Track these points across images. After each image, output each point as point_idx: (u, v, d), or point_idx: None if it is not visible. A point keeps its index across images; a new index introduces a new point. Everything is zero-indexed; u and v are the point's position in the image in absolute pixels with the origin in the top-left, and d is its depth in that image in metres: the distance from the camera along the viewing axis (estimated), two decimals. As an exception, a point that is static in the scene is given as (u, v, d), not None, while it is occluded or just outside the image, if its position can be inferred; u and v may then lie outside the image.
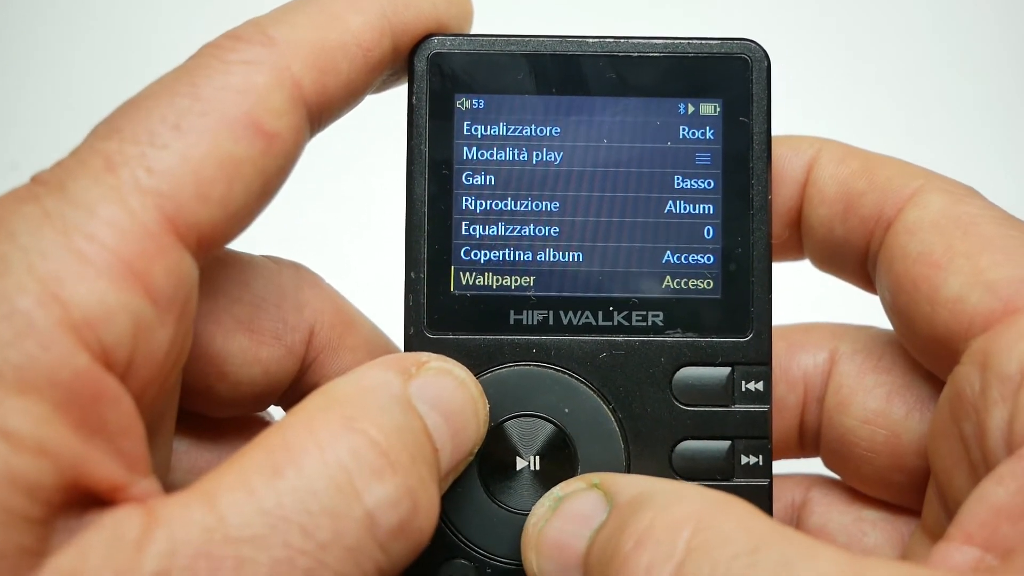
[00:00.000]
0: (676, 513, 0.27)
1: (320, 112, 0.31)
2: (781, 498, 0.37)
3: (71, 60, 0.61)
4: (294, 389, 0.35)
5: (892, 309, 0.34)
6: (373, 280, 0.37)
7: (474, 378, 0.32)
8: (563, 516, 0.30)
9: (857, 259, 0.35)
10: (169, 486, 0.33)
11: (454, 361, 0.32)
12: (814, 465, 0.38)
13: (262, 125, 0.29)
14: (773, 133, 0.35)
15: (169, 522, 0.25)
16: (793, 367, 0.37)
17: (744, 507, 0.27)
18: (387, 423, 0.28)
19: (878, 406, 0.35)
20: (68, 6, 0.62)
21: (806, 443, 0.37)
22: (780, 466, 0.35)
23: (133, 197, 0.27)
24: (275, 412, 0.36)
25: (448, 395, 0.31)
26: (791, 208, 0.36)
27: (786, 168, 0.35)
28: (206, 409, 0.34)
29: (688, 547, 0.26)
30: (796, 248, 0.37)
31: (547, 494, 0.31)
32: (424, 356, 0.31)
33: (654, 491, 0.29)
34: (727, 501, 0.28)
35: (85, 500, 0.26)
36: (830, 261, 0.36)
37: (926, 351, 0.33)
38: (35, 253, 0.26)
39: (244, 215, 0.29)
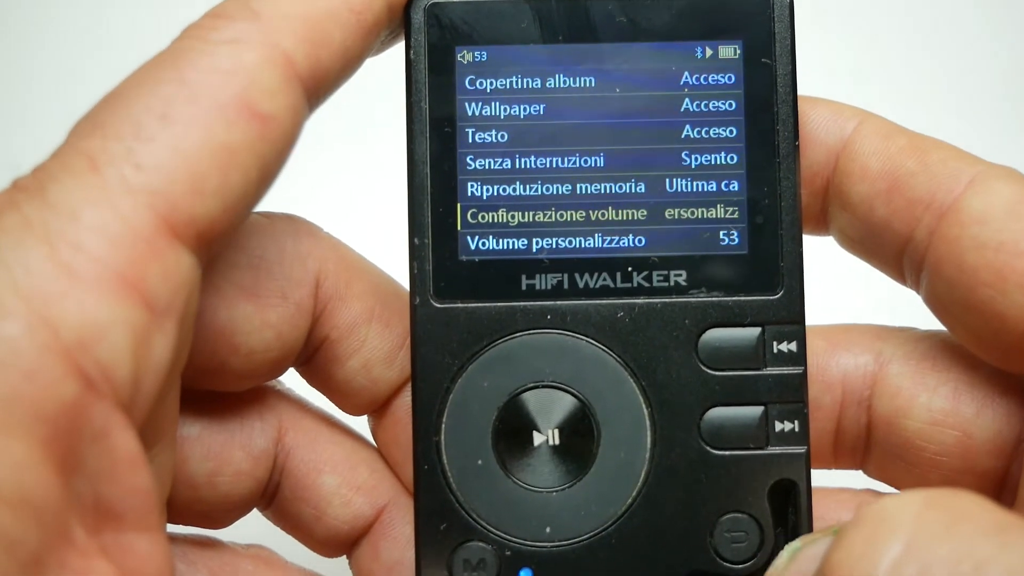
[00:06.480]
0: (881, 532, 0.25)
1: (316, 86, 0.29)
2: (825, 519, 0.35)
3: (74, 59, 0.60)
4: (306, 347, 0.34)
5: (958, 303, 0.32)
6: (375, 248, 0.35)
7: None
8: (797, 562, 0.29)
9: (896, 244, 0.33)
10: (184, 479, 0.33)
11: None
12: (837, 478, 0.37)
13: (255, 107, 0.27)
14: (810, 93, 0.33)
15: None
16: (832, 367, 0.35)
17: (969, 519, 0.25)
18: None
19: (946, 405, 0.34)
20: (70, 5, 0.61)
21: (842, 451, 0.36)
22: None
23: (122, 198, 0.26)
24: (286, 380, 0.36)
25: None
26: (818, 175, 0.34)
27: (821, 132, 0.34)
28: (223, 385, 0.33)
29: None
30: (820, 223, 0.34)
31: (787, 547, 0.30)
32: None
33: (870, 505, 0.27)
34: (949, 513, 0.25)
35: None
36: (863, 243, 0.34)
37: (1013, 345, 0.32)
38: (19, 268, 0.24)
39: (244, 205, 0.28)
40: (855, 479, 0.37)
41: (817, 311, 0.34)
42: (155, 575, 0.26)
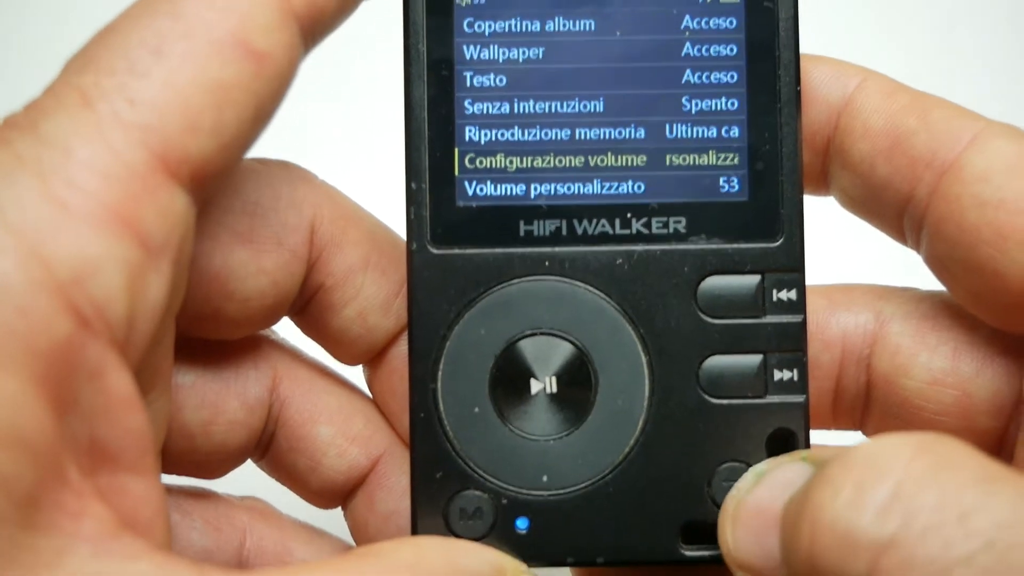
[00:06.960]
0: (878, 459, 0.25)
1: (313, 25, 0.29)
2: None
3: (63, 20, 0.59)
4: (301, 294, 0.33)
5: (959, 261, 0.32)
6: (370, 196, 0.35)
7: None
8: (763, 485, 0.29)
9: (897, 203, 0.33)
10: (178, 428, 0.32)
11: None
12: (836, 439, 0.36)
13: (251, 44, 0.27)
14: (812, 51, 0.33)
15: None
16: (832, 325, 0.35)
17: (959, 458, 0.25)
18: None
19: (945, 365, 0.34)
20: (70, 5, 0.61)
21: (841, 411, 0.36)
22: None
23: (115, 134, 0.25)
24: (280, 330, 0.35)
25: None
26: (819, 133, 0.33)
27: (823, 90, 0.33)
28: (218, 333, 0.33)
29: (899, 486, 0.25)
30: (821, 183, 0.34)
31: (750, 470, 0.30)
32: (510, 563, 0.30)
33: (859, 446, 0.27)
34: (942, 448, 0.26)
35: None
36: (864, 203, 0.34)
37: (1013, 305, 0.31)
38: (10, 204, 0.24)
39: (238, 144, 0.28)
40: (854, 441, 0.36)
41: (815, 273, 0.34)
42: (150, 517, 0.26)
